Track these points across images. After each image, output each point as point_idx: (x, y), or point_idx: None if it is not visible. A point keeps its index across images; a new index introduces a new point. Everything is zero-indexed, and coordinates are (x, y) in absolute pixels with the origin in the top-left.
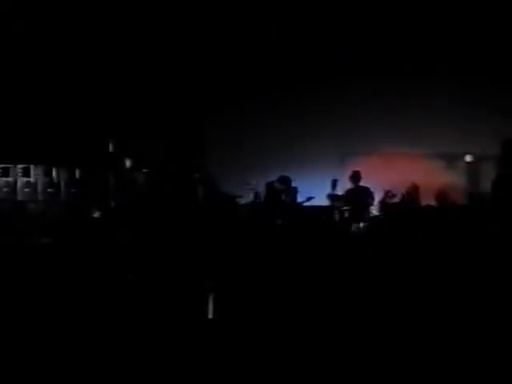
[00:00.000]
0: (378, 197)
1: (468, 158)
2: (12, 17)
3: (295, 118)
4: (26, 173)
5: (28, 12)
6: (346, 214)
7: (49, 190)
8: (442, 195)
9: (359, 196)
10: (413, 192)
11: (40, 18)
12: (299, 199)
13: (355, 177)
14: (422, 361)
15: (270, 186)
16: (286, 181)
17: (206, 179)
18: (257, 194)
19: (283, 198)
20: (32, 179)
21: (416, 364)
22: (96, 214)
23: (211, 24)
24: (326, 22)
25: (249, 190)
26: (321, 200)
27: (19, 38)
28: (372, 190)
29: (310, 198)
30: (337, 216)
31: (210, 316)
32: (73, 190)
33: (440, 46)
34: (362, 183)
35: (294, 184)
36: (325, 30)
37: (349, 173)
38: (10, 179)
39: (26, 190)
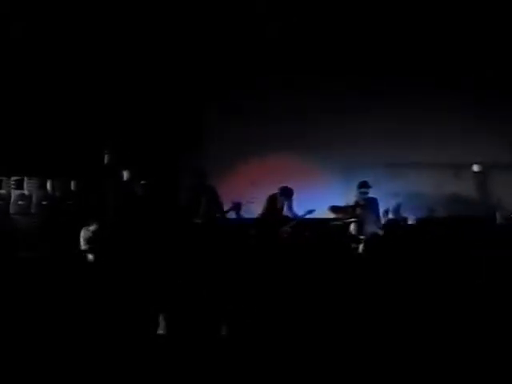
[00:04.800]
0: None
1: (476, 168)
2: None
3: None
4: (20, 185)
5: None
6: (351, 227)
7: (43, 202)
8: None
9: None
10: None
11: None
12: (300, 213)
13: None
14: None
15: (272, 197)
16: (287, 192)
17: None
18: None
19: (285, 209)
20: (26, 192)
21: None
22: (93, 227)
23: (206, 21)
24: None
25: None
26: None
27: (20, 38)
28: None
29: (310, 211)
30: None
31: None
32: (69, 203)
33: (447, 53)
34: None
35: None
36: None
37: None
38: (3, 192)
39: (20, 202)
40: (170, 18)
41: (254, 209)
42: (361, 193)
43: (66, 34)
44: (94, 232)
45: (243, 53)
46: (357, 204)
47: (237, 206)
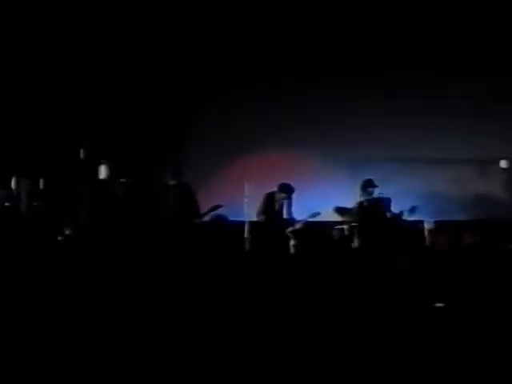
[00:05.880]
0: None
1: (503, 164)
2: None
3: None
4: None
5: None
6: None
7: (6, 203)
8: None
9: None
10: None
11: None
12: (303, 215)
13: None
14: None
15: (270, 196)
16: (287, 189)
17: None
18: None
19: (284, 208)
20: None
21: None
22: (67, 231)
23: (205, 20)
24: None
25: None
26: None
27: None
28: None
29: (315, 214)
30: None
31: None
32: (35, 204)
33: (467, 44)
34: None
35: None
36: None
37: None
38: None
39: None
40: (169, 14)
41: (250, 209)
42: (366, 193)
43: (45, 30)
44: (68, 236)
45: (243, 52)
46: (360, 205)
47: (216, 208)
